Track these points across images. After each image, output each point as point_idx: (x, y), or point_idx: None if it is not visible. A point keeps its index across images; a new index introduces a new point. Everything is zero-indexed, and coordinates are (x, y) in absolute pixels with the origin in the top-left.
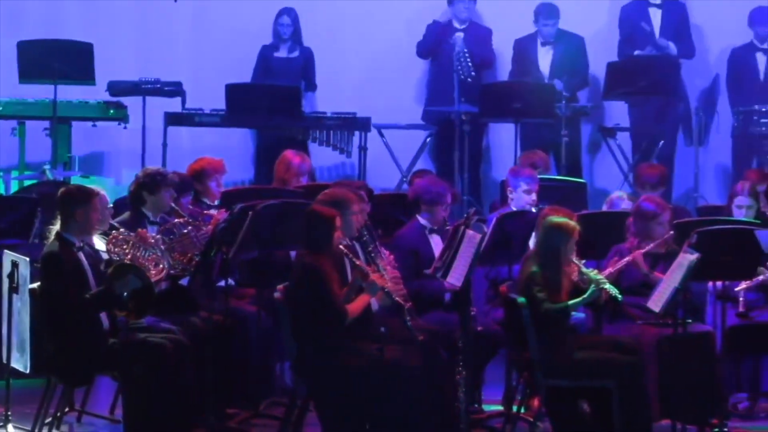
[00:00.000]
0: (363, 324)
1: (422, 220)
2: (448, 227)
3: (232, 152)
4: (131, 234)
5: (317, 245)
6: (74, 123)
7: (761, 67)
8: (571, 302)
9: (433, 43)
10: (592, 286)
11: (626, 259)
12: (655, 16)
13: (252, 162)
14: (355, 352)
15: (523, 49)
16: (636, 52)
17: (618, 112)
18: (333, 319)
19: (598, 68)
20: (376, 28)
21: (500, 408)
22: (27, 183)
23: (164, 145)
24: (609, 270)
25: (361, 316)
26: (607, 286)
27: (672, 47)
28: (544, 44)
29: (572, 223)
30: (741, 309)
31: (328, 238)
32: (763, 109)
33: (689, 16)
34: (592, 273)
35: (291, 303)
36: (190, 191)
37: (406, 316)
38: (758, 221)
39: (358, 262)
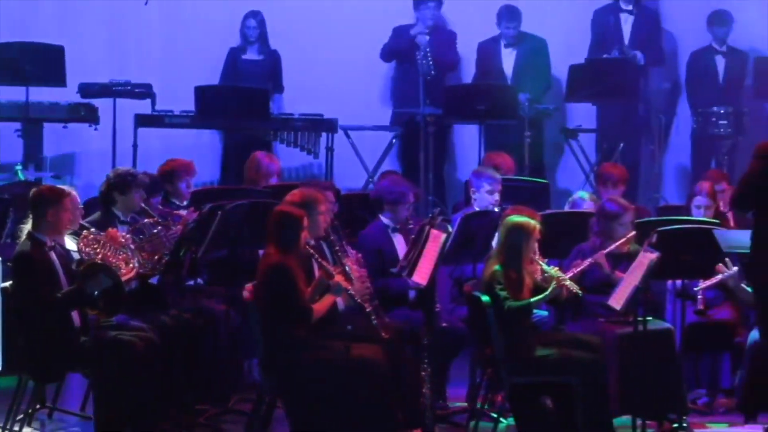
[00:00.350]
0: (330, 322)
1: (385, 220)
2: (411, 226)
3: (201, 153)
4: (102, 234)
5: (285, 245)
6: (45, 124)
7: (720, 70)
8: (533, 299)
9: (398, 46)
10: (553, 282)
11: (589, 260)
12: (627, 21)
13: (220, 162)
14: (322, 350)
15: (487, 51)
16: (604, 56)
17: (580, 113)
18: (298, 317)
19: (560, 70)
20: (342, 31)
21: (465, 404)
22: None
23: (134, 146)
24: (572, 271)
25: (327, 315)
26: (568, 282)
27: (639, 57)
28: (507, 46)
29: (533, 222)
30: (700, 307)
31: (296, 237)
32: (722, 111)
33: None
34: (553, 270)
35: (259, 302)
36: (160, 192)
37: (371, 315)
38: (717, 221)
39: (324, 263)
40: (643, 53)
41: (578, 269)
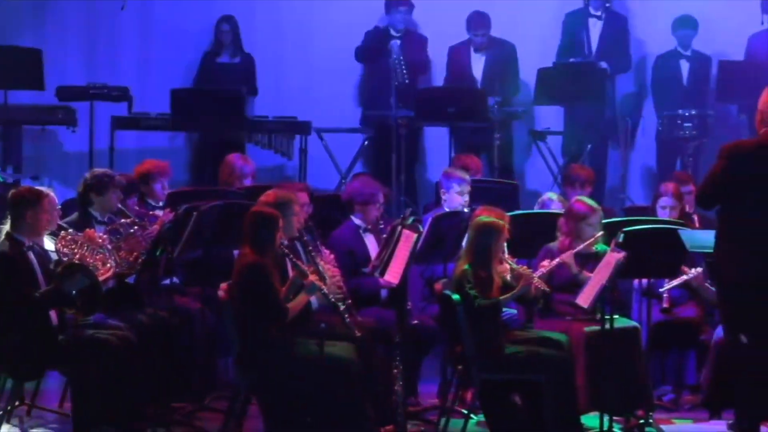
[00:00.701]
0: (303, 320)
1: (356, 220)
2: (381, 226)
3: (176, 155)
4: (79, 234)
5: (260, 245)
6: (24, 126)
7: (684, 73)
8: (502, 297)
9: (371, 49)
10: (522, 280)
11: (557, 260)
12: (595, 26)
13: (195, 164)
14: (296, 348)
15: (457, 55)
16: (571, 60)
17: (548, 116)
18: (274, 317)
19: (529, 74)
20: (315, 35)
21: (436, 401)
22: None
23: (111, 148)
24: (541, 271)
25: (301, 314)
26: (536, 279)
27: (604, 65)
28: (476, 51)
29: (501, 222)
30: (665, 305)
31: (271, 238)
32: (687, 114)
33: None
34: (522, 268)
35: (234, 301)
36: (136, 193)
37: (344, 314)
38: (682, 222)
39: (298, 262)
40: (609, 61)
41: (547, 269)
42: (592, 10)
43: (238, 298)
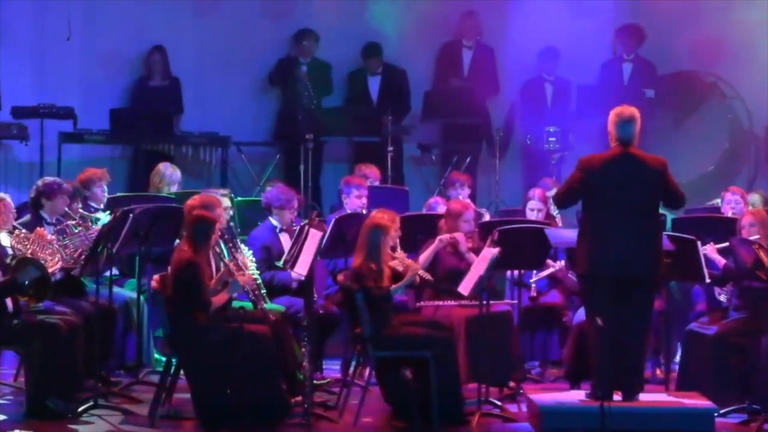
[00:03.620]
0: (226, 306)
1: (273, 222)
2: (295, 227)
3: (115, 165)
4: (31, 233)
5: (198, 243)
6: None
7: (548, 95)
8: (393, 287)
9: (282, 75)
10: (410, 272)
11: (433, 246)
12: (467, 55)
13: (130, 173)
14: (219, 329)
15: (356, 79)
16: (452, 84)
17: (434, 131)
18: (200, 306)
19: (417, 94)
20: (235, 61)
21: (338, 375)
22: None
23: (59, 159)
24: (423, 256)
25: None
26: (421, 272)
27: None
28: (372, 75)
29: (389, 222)
30: (533, 294)
31: (208, 238)
32: (551, 129)
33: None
34: (410, 262)
35: (168, 288)
36: (80, 198)
37: (259, 302)
38: (547, 222)
39: (227, 262)
40: (480, 84)
41: (426, 254)
42: (464, 42)
43: (172, 286)
